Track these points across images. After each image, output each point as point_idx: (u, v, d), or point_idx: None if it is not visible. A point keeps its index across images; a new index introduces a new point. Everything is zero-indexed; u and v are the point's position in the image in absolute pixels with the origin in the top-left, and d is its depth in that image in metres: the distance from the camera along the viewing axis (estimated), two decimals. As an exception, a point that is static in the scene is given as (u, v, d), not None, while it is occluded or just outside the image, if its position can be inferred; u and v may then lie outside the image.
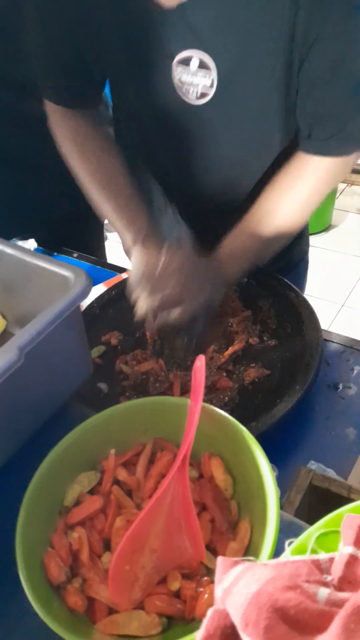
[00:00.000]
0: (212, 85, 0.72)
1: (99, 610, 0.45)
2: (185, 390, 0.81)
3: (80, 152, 0.86)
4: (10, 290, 0.68)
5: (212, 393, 0.81)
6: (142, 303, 0.75)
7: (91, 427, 0.53)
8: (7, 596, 0.50)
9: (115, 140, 0.94)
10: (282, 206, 0.80)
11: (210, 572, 0.48)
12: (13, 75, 0.99)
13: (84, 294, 0.57)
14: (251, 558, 0.37)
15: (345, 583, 0.35)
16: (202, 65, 0.70)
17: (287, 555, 0.38)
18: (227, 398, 0.80)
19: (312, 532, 0.39)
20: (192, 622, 0.44)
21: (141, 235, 0.79)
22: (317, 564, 0.37)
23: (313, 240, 1.20)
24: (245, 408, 0.80)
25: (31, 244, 0.98)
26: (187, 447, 0.50)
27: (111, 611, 0.45)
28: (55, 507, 0.51)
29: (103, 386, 0.86)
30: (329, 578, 0.36)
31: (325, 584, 0.35)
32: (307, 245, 1.16)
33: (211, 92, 0.72)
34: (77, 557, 0.48)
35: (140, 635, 0.44)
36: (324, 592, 0.32)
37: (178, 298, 0.74)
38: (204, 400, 0.78)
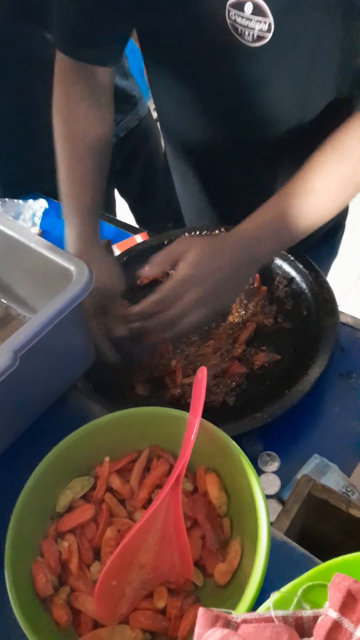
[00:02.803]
0: (269, 30, 0.68)
1: (84, 624, 0.46)
2: (186, 374, 0.79)
3: (66, 130, 0.81)
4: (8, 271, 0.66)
5: (220, 378, 0.78)
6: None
7: (86, 432, 0.52)
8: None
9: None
10: (322, 182, 0.69)
11: (197, 588, 0.49)
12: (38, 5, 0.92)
13: (85, 290, 0.54)
14: (232, 612, 0.36)
15: (326, 650, 0.34)
16: (257, 11, 0.66)
17: (269, 608, 0.37)
18: (234, 383, 0.78)
19: (298, 583, 0.38)
20: (175, 640, 0.45)
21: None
22: (300, 622, 0.37)
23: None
24: (251, 395, 0.78)
25: (42, 203, 0.93)
26: (183, 465, 0.48)
27: (96, 624, 0.46)
28: (46, 512, 0.51)
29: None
30: (310, 640, 0.36)
31: (305, 652, 0.34)
32: (346, 212, 1.08)
33: (268, 36, 0.68)
34: (66, 565, 0.48)
35: (123, 651, 0.45)
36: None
37: (197, 306, 0.67)
38: (210, 387, 0.77)
